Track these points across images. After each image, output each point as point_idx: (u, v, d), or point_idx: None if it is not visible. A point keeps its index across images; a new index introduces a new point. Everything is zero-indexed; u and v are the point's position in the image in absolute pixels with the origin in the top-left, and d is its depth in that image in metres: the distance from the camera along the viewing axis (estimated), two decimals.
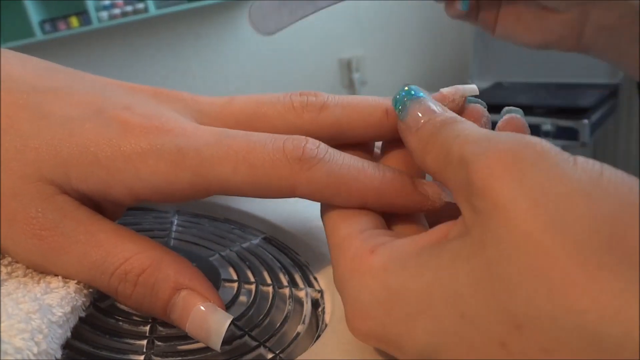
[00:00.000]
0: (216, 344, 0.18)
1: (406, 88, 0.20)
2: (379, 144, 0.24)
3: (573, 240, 0.12)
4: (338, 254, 0.18)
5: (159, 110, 0.20)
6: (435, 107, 0.19)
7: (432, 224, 0.20)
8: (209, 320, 0.18)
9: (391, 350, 0.16)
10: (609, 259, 0.12)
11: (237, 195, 0.19)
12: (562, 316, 0.12)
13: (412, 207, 0.20)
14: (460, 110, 0.21)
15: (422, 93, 0.20)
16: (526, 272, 0.12)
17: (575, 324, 0.12)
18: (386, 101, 0.22)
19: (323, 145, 0.19)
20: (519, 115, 0.20)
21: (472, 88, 0.21)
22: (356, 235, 0.18)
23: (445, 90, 0.21)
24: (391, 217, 0.20)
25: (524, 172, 0.13)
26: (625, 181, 0.13)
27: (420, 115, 0.19)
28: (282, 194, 0.19)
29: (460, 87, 0.21)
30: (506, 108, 0.21)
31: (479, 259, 0.14)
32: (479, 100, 0.22)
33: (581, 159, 0.14)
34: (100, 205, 0.20)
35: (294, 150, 0.18)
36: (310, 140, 0.19)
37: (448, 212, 0.19)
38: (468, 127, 0.17)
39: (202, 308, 0.18)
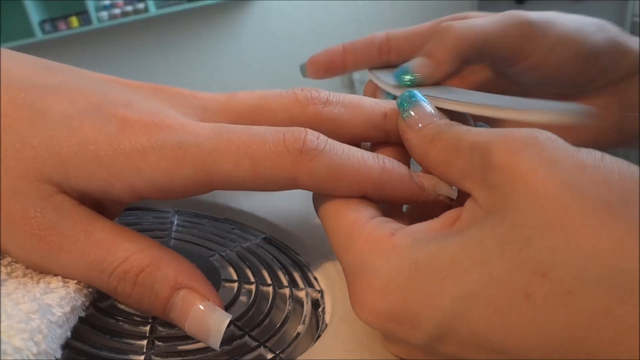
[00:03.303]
0: (215, 343, 0.18)
1: (412, 91, 0.22)
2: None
3: (589, 197, 0.14)
4: (348, 237, 0.18)
5: (159, 107, 0.20)
6: (436, 113, 0.21)
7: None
8: (208, 319, 0.18)
9: (403, 329, 0.16)
10: (620, 211, 0.14)
11: (238, 190, 0.19)
12: (584, 257, 0.13)
13: (408, 198, 0.20)
14: None
15: (425, 99, 0.22)
16: (549, 224, 0.14)
17: (595, 263, 0.13)
18: (385, 105, 0.22)
19: (322, 137, 0.19)
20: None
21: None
22: (365, 220, 0.18)
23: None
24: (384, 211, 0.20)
25: (540, 148, 0.15)
26: (623, 161, 0.15)
27: (422, 117, 0.21)
28: (283, 186, 0.19)
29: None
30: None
31: (503, 226, 0.15)
32: None
33: (583, 148, 0.16)
34: (100, 203, 0.20)
35: (294, 142, 0.18)
36: (310, 131, 0.19)
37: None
38: (474, 127, 0.19)
39: (201, 307, 0.18)
